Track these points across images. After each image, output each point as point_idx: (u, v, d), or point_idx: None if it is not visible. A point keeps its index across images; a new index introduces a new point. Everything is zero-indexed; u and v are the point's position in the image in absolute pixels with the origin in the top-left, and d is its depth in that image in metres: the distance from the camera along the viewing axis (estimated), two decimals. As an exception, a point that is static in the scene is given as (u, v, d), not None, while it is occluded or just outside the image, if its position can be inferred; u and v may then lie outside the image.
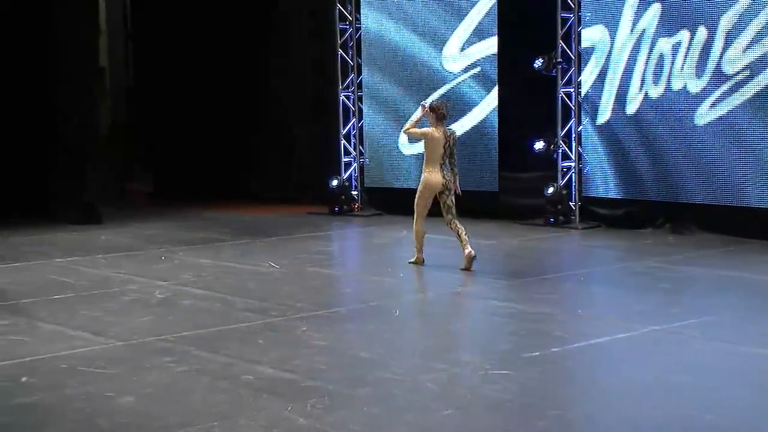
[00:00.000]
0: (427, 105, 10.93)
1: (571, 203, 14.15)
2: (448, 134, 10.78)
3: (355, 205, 16.08)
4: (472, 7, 14.72)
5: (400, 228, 14.17)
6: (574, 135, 14.17)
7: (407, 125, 11.04)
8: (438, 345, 7.69)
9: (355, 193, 16.20)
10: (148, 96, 19.19)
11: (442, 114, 10.78)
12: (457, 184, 10.86)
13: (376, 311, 8.86)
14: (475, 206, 14.91)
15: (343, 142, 16.19)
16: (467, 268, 10.44)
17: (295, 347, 7.59)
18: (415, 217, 10.86)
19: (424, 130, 10.82)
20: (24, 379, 6.85)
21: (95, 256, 12.03)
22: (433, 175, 10.68)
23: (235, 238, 13.43)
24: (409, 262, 10.87)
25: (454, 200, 10.73)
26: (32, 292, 9.83)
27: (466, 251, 10.49)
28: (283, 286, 10.03)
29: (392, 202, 15.76)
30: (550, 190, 14.01)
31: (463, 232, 10.60)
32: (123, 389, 6.57)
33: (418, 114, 10.93)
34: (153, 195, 18.36)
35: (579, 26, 13.90)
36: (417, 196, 10.87)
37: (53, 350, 7.56)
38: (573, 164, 14.21)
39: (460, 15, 14.84)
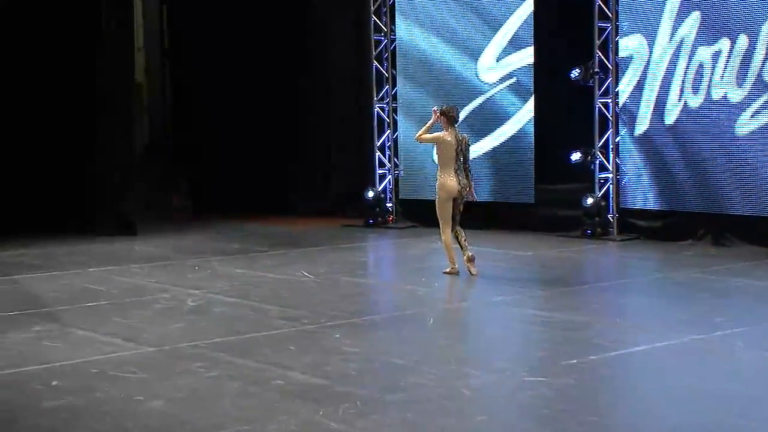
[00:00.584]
0: (438, 110, 10.94)
1: (608, 215, 13.95)
2: (460, 138, 10.82)
3: (389, 217, 15.98)
4: (508, 17, 14.60)
5: (435, 239, 14.06)
6: (611, 146, 13.98)
7: (419, 132, 11.10)
8: (473, 352, 7.55)
9: (390, 205, 16.10)
10: (186, 110, 19.20)
11: (453, 117, 10.86)
12: (473, 191, 10.95)
13: (410, 319, 8.73)
14: (511, 218, 14.87)
15: (377, 154, 16.10)
16: (472, 270, 10.52)
17: (328, 353, 7.48)
18: (441, 227, 10.80)
19: (435, 134, 10.89)
20: (54, 383, 6.79)
21: (129, 266, 12.00)
22: (449, 180, 10.70)
23: (270, 249, 13.36)
24: (444, 273, 10.75)
25: (461, 208, 10.82)
26: (66, 300, 9.81)
27: (467, 254, 10.60)
28: (316, 295, 9.93)
29: (427, 214, 15.44)
30: (589, 200, 13.82)
31: (463, 238, 10.73)
32: (152, 393, 6.49)
33: (430, 120, 10.97)
34: (192, 209, 18.33)
35: (616, 35, 13.74)
36: (437, 205, 10.85)
37: (84, 355, 7.51)
38: (610, 175, 14.03)
39: (496, 25, 14.73)
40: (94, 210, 15.17)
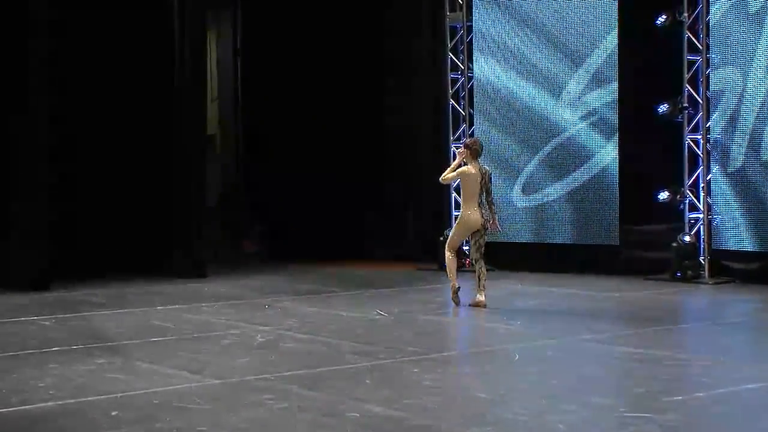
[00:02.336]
0: (461, 148, 10.97)
1: (700, 257, 13.20)
2: (483, 171, 10.77)
3: (467, 260, 15.34)
4: (591, 51, 14.06)
5: (515, 281, 13.48)
6: (702, 184, 13.28)
7: (445, 173, 11.03)
8: (565, 387, 6.90)
9: (467, 248, 15.46)
10: (260, 158, 18.80)
11: (476, 150, 10.85)
12: (497, 222, 10.96)
13: (493, 355, 8.14)
14: (594, 261, 14.19)
15: (454, 195, 15.55)
16: (473, 305, 10.53)
17: (405, 387, 6.91)
18: (447, 250, 10.95)
19: (459, 169, 10.78)
20: (114, 413, 6.32)
21: (198, 305, 11.57)
22: (472, 214, 10.69)
23: (343, 289, 12.86)
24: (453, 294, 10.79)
25: (484, 242, 10.81)
26: (132, 335, 9.38)
27: (479, 297, 10.53)
28: (392, 332, 9.38)
29: (504, 257, 15.03)
30: (687, 238, 13.09)
31: (484, 278, 10.73)
32: (217, 424, 5.97)
33: (456, 160, 10.93)
34: (264, 256, 17.94)
35: (707, 68, 13.10)
36: (453, 232, 11.00)
37: (146, 386, 7.04)
38: (701, 215, 13.31)
39: (578, 60, 14.19)
40: (165, 253, 14.94)
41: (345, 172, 17.35)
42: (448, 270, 10.98)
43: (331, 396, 6.64)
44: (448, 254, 10.93)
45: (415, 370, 7.50)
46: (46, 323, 10.25)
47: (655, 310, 10.83)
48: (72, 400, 6.67)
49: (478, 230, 10.73)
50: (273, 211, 18.45)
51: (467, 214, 10.71)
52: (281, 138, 18.15)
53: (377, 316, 10.40)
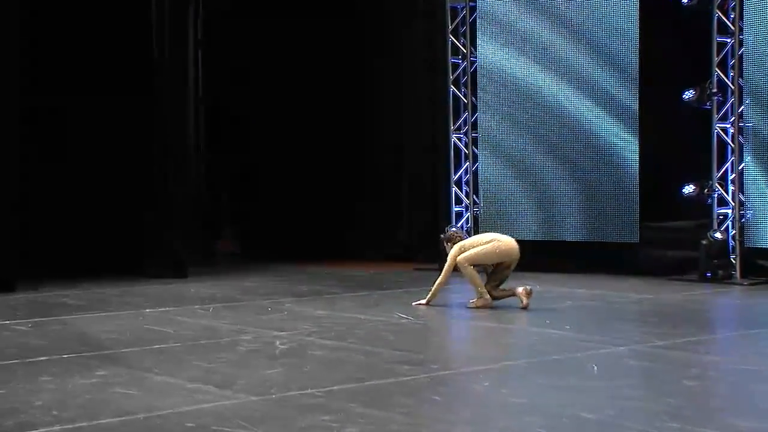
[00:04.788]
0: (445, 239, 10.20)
1: (731, 256, 12.19)
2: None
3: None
4: (610, 35, 12.99)
5: (533, 282, 12.32)
6: (732, 176, 12.29)
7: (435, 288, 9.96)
8: (689, 407, 5.73)
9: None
10: (238, 154, 17.43)
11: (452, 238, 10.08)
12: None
13: (564, 365, 6.98)
14: (612, 260, 13.12)
15: (454, 189, 14.39)
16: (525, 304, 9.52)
17: (487, 405, 5.75)
18: (465, 264, 9.79)
19: (452, 255, 9.84)
20: (141, 440, 5.06)
21: (190, 307, 10.28)
22: (513, 243, 9.86)
23: (346, 291, 11.63)
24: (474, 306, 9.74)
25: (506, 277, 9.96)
26: (128, 341, 8.07)
27: (520, 288, 9.60)
28: (429, 337, 8.25)
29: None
30: (718, 235, 12.08)
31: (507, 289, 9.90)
32: (281, 455, 4.74)
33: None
34: (241, 255, 16.62)
35: (739, 50, 12.11)
36: (479, 252, 9.78)
37: (170, 405, 5.76)
38: (730, 211, 12.31)
39: (595, 44, 13.11)
40: (137, 252, 13.61)
41: (330, 166, 16.13)
42: (474, 284, 9.81)
43: (405, 417, 5.43)
44: (468, 269, 9.75)
45: (486, 383, 6.32)
46: (23, 328, 8.87)
47: (708, 312, 9.81)
48: (85, 424, 5.38)
49: (510, 265, 9.82)
50: (249, 208, 17.18)
51: (508, 240, 9.76)
52: (254, 128, 16.88)
53: (402, 320, 9.19)
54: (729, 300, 10.77)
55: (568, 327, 8.62)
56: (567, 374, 6.62)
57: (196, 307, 10.29)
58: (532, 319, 9.21)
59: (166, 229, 13.58)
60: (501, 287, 9.90)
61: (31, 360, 7.26)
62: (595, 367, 6.78)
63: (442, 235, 10.39)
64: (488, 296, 9.78)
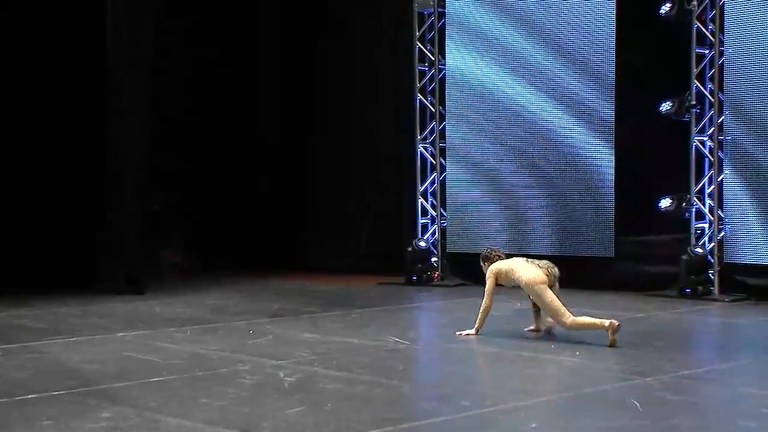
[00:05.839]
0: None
1: (710, 271, 11.97)
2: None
3: (435, 273, 13.79)
4: (585, 44, 12.68)
5: (505, 298, 11.94)
6: (709, 190, 12.08)
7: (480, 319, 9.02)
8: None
9: (435, 259, 13.90)
10: (182, 159, 16.69)
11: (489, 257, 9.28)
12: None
13: (600, 400, 6.57)
14: (586, 275, 12.78)
15: (420, 200, 13.94)
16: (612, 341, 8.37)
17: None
18: (565, 322, 8.65)
19: (491, 277, 9.02)
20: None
21: (164, 330, 9.63)
22: (529, 272, 8.86)
23: (322, 309, 11.07)
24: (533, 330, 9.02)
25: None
26: (118, 374, 7.43)
27: (608, 322, 8.41)
28: (440, 367, 7.75)
29: (477, 270, 13.46)
30: (698, 250, 11.86)
31: (588, 320, 8.69)
32: None
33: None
34: (187, 266, 15.92)
35: (720, 58, 11.90)
36: (551, 300, 8.73)
37: (203, 457, 5.20)
38: (706, 225, 12.10)
39: (570, 52, 12.79)
40: (88, 266, 12.89)
41: (289, 174, 15.57)
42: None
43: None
44: (572, 322, 8.61)
45: (533, 425, 5.88)
46: (-8, 357, 8.17)
47: (711, 334, 9.54)
48: (117, 483, 4.79)
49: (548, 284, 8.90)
50: (196, 216, 16.49)
51: (528, 276, 8.81)
52: (201, 135, 16.23)
53: (399, 345, 8.70)
54: (722, 319, 10.52)
55: (578, 353, 8.23)
56: (611, 412, 6.21)
57: (171, 329, 9.65)
58: (535, 343, 8.79)
59: (121, 243, 12.87)
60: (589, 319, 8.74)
61: (20, 398, 6.59)
62: (638, 404, 6.39)
63: (482, 253, 9.47)
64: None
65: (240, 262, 15.39)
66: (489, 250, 9.45)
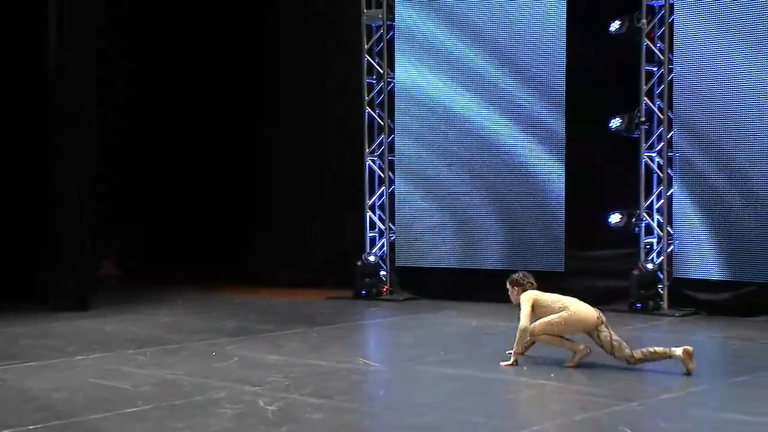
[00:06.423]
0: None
1: (659, 286, 12.13)
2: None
3: (384, 287, 13.70)
4: (535, 58, 12.73)
5: (452, 312, 11.99)
6: (657, 205, 12.24)
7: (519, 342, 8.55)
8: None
9: (384, 273, 13.81)
10: (123, 167, 16.31)
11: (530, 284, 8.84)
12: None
13: (595, 428, 6.56)
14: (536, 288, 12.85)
15: (368, 214, 13.84)
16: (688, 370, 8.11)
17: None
18: (535, 329, 8.51)
19: (527, 301, 8.59)
20: None
21: (123, 351, 9.36)
22: (583, 309, 8.57)
23: (277, 328, 10.87)
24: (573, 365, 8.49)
25: (612, 332, 8.48)
26: (90, 404, 7.19)
27: (678, 352, 8.16)
28: (421, 393, 7.64)
29: (426, 284, 13.54)
30: (649, 266, 12.00)
31: (652, 348, 8.35)
32: None
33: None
34: (124, 278, 15.57)
35: (668, 79, 12.05)
36: (551, 321, 8.50)
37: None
38: (655, 240, 12.26)
39: (521, 69, 12.83)
40: (36, 282, 12.49)
41: (236, 187, 15.33)
42: (561, 346, 8.58)
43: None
44: (546, 338, 8.49)
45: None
46: (-49, 386, 7.83)
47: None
48: None
49: (596, 328, 8.46)
50: (134, 227, 16.15)
51: (581, 309, 8.56)
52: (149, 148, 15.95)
53: (369, 367, 8.61)
54: (675, 335, 10.55)
55: (552, 375, 8.23)
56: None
57: (130, 351, 9.38)
58: (517, 368, 8.69)
59: (65, 250, 12.47)
60: (650, 349, 8.37)
61: (-4, 434, 6.33)
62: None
63: (512, 277, 8.93)
64: (581, 345, 8.51)
65: (177, 273, 15.12)
66: (522, 275, 8.93)
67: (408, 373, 8.46)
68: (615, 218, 12.35)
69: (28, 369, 8.55)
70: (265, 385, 7.78)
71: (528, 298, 8.63)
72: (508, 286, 8.89)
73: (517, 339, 8.51)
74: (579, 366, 8.44)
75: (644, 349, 8.34)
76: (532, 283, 8.83)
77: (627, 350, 8.31)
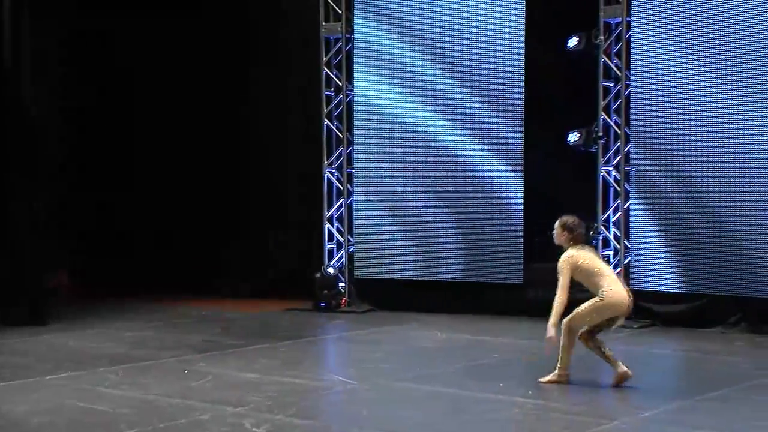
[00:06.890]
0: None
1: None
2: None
3: (342, 299, 13.75)
4: (494, 72, 12.89)
5: (413, 325, 12.10)
6: (614, 218, 12.48)
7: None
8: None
9: (343, 285, 13.85)
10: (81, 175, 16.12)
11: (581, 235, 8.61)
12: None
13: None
14: (495, 301, 13.04)
15: (327, 225, 13.88)
16: (619, 380, 8.40)
17: None
18: (570, 327, 8.44)
19: (565, 270, 8.39)
20: None
21: (94, 370, 9.27)
22: (621, 293, 8.37)
23: (245, 342, 10.87)
24: (546, 381, 8.52)
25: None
26: (71, 428, 7.12)
27: (621, 369, 8.38)
28: (403, 412, 7.70)
29: (385, 295, 13.60)
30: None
31: (610, 352, 8.47)
32: None
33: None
34: (77, 290, 15.35)
35: (625, 95, 12.30)
36: (590, 308, 8.41)
37: None
38: (611, 252, 12.50)
39: (480, 83, 12.97)
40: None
41: (192, 196, 15.23)
42: (562, 355, 8.44)
43: None
44: (567, 338, 8.36)
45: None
46: (-73, 410, 7.69)
47: (639, 365, 9.72)
48: None
49: (620, 317, 8.38)
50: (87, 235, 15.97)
51: (617, 291, 8.29)
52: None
53: (348, 385, 8.66)
54: (635, 347, 10.76)
55: (530, 392, 8.35)
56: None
57: (101, 369, 9.30)
58: (479, 382, 8.79)
59: (21, 262, 12.30)
60: (607, 352, 8.40)
61: (-14, 463, 6.26)
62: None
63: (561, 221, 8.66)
64: (565, 375, 8.43)
65: (134, 284, 15.00)
66: (575, 221, 8.54)
67: (388, 391, 8.50)
68: (573, 137, 12.41)
69: (2, 389, 8.43)
70: (248, 405, 7.78)
71: (567, 264, 8.35)
72: (556, 227, 8.61)
73: (555, 311, 8.32)
74: (551, 382, 8.58)
75: (607, 349, 8.43)
76: (582, 234, 8.50)
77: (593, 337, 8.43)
